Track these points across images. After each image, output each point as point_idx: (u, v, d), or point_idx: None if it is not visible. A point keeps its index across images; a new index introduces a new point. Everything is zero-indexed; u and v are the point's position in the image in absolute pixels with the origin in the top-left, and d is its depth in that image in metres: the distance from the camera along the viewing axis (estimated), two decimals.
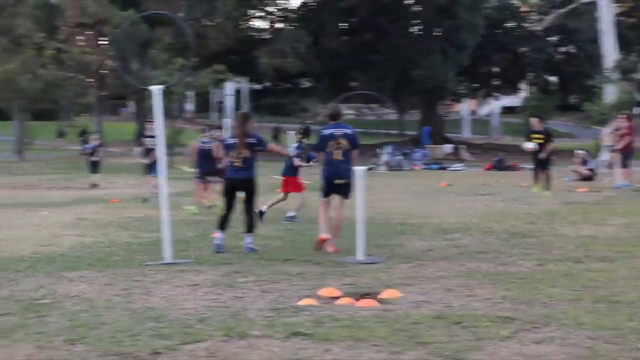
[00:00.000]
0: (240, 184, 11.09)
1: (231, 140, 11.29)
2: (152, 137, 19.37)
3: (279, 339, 6.22)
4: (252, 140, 11.09)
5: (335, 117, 11.34)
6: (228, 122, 23.51)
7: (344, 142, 11.02)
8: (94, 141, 26.28)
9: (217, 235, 11.10)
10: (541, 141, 18.82)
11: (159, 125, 10.96)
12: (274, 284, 8.54)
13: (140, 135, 20.45)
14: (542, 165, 19.54)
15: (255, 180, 11.21)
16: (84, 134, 48.53)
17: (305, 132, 15.24)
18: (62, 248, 11.46)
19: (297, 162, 14.77)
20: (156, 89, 10.68)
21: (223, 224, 11.18)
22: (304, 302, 7.56)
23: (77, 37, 50.33)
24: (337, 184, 11.10)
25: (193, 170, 17.51)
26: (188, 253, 10.85)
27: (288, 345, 6.03)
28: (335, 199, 11.22)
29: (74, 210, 16.97)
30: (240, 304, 7.54)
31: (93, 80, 50.51)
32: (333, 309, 7.29)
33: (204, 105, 76.40)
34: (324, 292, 7.99)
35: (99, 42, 51.43)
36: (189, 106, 74.93)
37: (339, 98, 21.42)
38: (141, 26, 45.68)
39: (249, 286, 8.44)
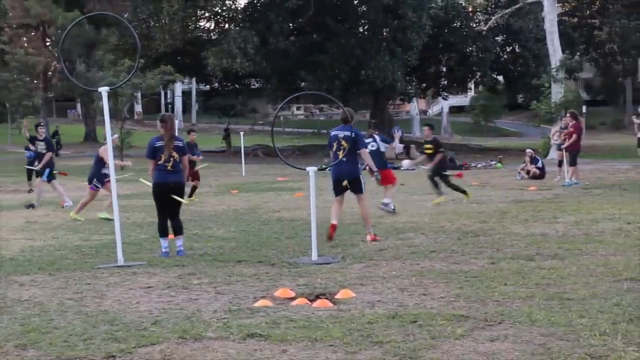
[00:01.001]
0: (171, 188, 10.88)
1: (158, 144, 10.85)
2: (42, 140, 19.39)
3: (235, 340, 6.21)
4: (178, 143, 10.97)
5: (345, 120, 12.09)
6: (178, 123, 23.35)
7: (345, 144, 11.75)
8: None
9: (163, 243, 10.91)
10: (430, 151, 17.93)
11: (107, 127, 10.87)
12: (229, 286, 8.52)
13: (32, 139, 20.17)
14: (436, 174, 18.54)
15: (184, 183, 11.22)
16: (56, 134, 47.61)
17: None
18: (12, 252, 11.30)
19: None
20: (104, 90, 10.59)
21: (164, 231, 10.96)
22: (259, 303, 7.56)
23: (22, 39, 49.65)
24: (344, 184, 11.90)
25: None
26: (140, 255, 10.78)
27: (244, 347, 6.03)
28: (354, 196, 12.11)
29: (23, 214, 16.74)
30: (195, 306, 7.51)
31: (39, 82, 49.85)
32: (288, 309, 7.29)
33: (153, 106, 75.87)
34: (279, 293, 8.00)
35: (44, 43, 50.76)
36: (138, 108, 74.33)
37: (288, 98, 21.44)
38: (86, 27, 45.19)
39: (203, 288, 8.41)
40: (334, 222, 11.71)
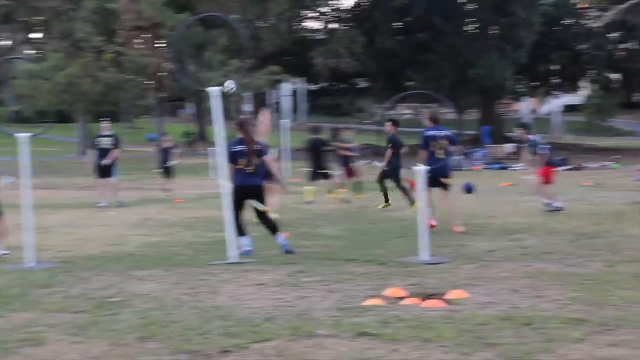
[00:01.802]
0: (250, 191, 10.98)
1: (239, 148, 10.95)
2: (108, 136, 19.23)
3: (346, 338, 6.23)
4: (258, 146, 11.04)
5: (437, 120, 13.12)
6: (286, 122, 23.63)
7: (444, 142, 12.69)
8: (166, 143, 24.94)
9: (243, 241, 10.98)
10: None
11: (219, 127, 11.05)
12: (339, 284, 8.56)
13: (97, 135, 19.77)
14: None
15: (263, 186, 11.21)
16: (188, 135, 48.68)
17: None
18: (130, 247, 11.66)
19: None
20: (214, 91, 10.75)
21: (241, 230, 11.03)
22: (369, 302, 7.56)
23: (135, 40, 51.03)
24: (440, 181, 12.62)
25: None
26: (255, 253, 10.92)
27: (355, 345, 6.04)
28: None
29: (139, 211, 17.22)
30: (306, 304, 7.58)
31: (152, 82, 51.16)
32: (399, 309, 7.27)
33: (261, 106, 76.84)
34: (390, 292, 7.99)
35: (156, 45, 52.07)
36: (247, 107, 75.40)
37: (395, 98, 21.36)
38: (197, 28, 46.13)
39: (314, 286, 8.48)
40: (433, 222, 12.40)
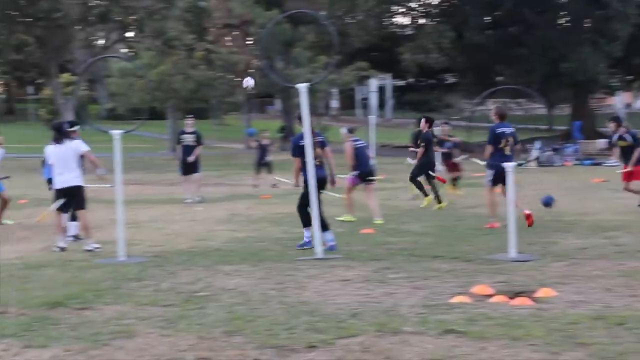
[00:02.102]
0: (320, 183, 10.99)
1: (302, 142, 10.87)
2: (191, 133, 19.32)
3: (432, 336, 6.19)
4: (319, 138, 11.15)
5: (504, 117, 13.27)
6: (373, 119, 23.58)
7: (511, 139, 12.79)
8: (264, 140, 24.62)
9: (329, 236, 11.01)
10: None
11: (306, 123, 11.09)
12: (425, 281, 8.51)
13: (180, 132, 19.86)
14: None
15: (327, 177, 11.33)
16: (283, 130, 49.36)
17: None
18: (217, 242, 11.82)
19: None
20: (303, 87, 10.80)
21: (325, 224, 11.01)
22: (456, 299, 7.50)
23: (225, 38, 51.70)
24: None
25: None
26: (338, 249, 10.94)
27: (441, 343, 6.00)
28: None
29: (227, 206, 17.44)
30: (392, 300, 7.55)
31: (241, 79, 51.71)
32: (487, 307, 7.19)
33: (348, 102, 76.88)
34: (477, 289, 7.90)
35: (246, 42, 52.63)
36: (334, 103, 75.57)
37: (485, 93, 21.09)
38: (285, 25, 46.44)
39: (400, 282, 8.44)
40: (528, 211, 12.56)
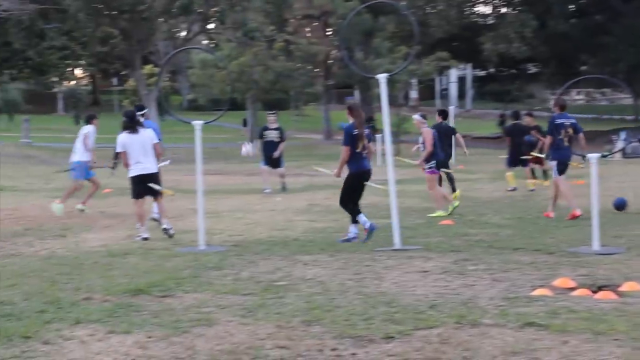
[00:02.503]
0: (368, 175, 11.05)
1: (355, 131, 10.95)
2: (275, 129, 19.42)
3: (513, 328, 6.11)
4: (366, 131, 11.07)
5: (564, 107, 13.28)
6: (452, 109, 23.37)
7: (571, 130, 12.98)
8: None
9: (367, 224, 10.97)
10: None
11: (385, 113, 11.07)
12: (505, 273, 8.40)
13: (264, 128, 19.90)
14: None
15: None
16: (370, 120, 49.35)
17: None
18: (296, 232, 11.89)
19: None
20: (382, 77, 10.76)
21: (356, 216, 11.04)
22: (537, 292, 7.38)
23: (305, 29, 51.90)
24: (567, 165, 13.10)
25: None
26: (417, 240, 10.91)
27: (522, 335, 5.91)
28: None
29: (306, 196, 17.52)
30: (471, 292, 7.48)
31: (320, 70, 51.86)
32: (569, 300, 7.06)
33: (428, 93, 76.36)
34: (559, 282, 7.76)
35: (325, 33, 52.70)
36: (413, 94, 75.16)
37: (568, 83, 20.71)
38: (365, 16, 46.32)
39: (479, 274, 8.36)
40: (578, 211, 12.69)
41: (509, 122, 19.10)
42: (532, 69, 60.41)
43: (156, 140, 11.94)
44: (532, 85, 63.04)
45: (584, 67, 50.70)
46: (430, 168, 14.05)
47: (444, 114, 17.33)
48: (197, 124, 11.03)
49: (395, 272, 8.58)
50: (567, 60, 49.51)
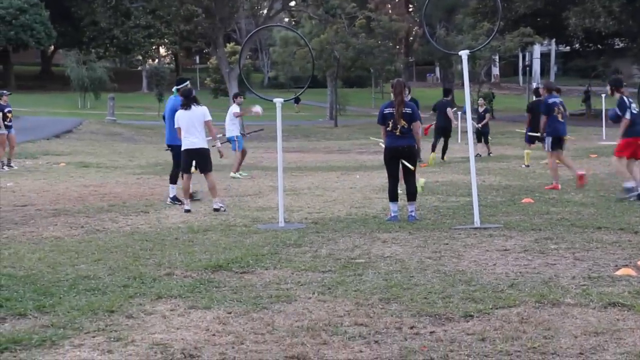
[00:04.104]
0: (400, 152, 10.81)
1: (387, 110, 10.84)
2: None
3: (595, 308, 6.00)
4: (407, 110, 10.78)
5: (551, 90, 14.63)
6: (535, 85, 23.09)
7: (561, 108, 14.30)
8: (481, 107, 23.89)
9: (392, 207, 10.90)
10: None
11: (466, 90, 10.96)
12: (588, 252, 8.25)
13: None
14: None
15: (414, 148, 10.96)
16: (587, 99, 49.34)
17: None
18: (375, 210, 11.88)
19: None
20: (464, 54, 10.65)
21: (393, 195, 10.93)
22: (621, 272, 7.23)
23: (386, 6, 51.61)
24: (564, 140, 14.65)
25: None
26: (496, 218, 10.79)
27: (605, 316, 5.81)
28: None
29: (384, 174, 17.43)
30: (552, 271, 7.37)
31: (401, 47, 51.53)
32: None
33: (510, 69, 75.21)
34: None
35: (407, 10, 52.29)
36: (495, 70, 74.14)
37: None
38: None
39: (560, 253, 8.23)
40: (580, 171, 14.38)
41: (532, 99, 19.18)
42: (619, 44, 58.83)
43: (208, 118, 12.19)
44: (618, 60, 61.44)
45: None
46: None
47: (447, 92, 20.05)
48: (278, 101, 11.10)
49: (475, 250, 8.51)
50: None
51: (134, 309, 6.20)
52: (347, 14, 48.81)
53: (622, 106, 12.91)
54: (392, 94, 10.96)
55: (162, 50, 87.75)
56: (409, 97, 17.12)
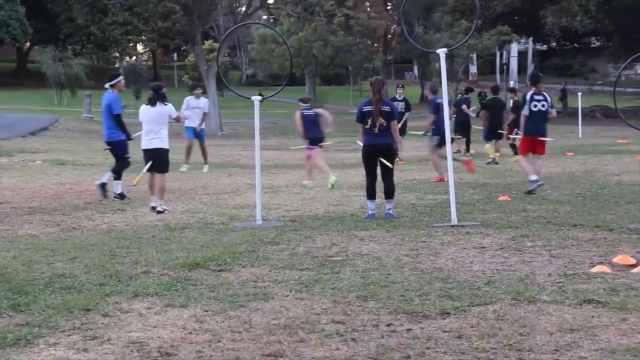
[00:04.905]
0: (379, 150, 10.83)
1: (366, 108, 10.87)
2: (401, 101, 20.01)
3: (570, 305, 6.05)
4: (386, 108, 10.81)
5: (436, 92, 15.37)
6: (513, 84, 23.39)
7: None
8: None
9: (370, 205, 10.92)
10: None
11: (444, 88, 11.00)
12: (564, 249, 8.31)
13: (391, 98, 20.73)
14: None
15: (393, 146, 10.95)
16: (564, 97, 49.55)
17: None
18: (352, 208, 11.89)
19: None
20: (442, 52, 10.69)
21: (371, 193, 10.95)
22: (596, 269, 7.29)
23: (365, 4, 51.66)
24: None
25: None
26: (474, 216, 10.83)
27: (580, 312, 5.85)
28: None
29: (362, 172, 17.42)
30: (529, 268, 7.42)
31: (379, 45, 51.63)
32: (628, 277, 6.96)
33: (488, 67, 75.54)
34: (618, 259, 7.65)
35: (385, 8, 52.37)
36: (473, 68, 74.41)
37: (632, 57, 20.34)
38: None
39: (537, 251, 8.28)
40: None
41: (489, 97, 19.95)
42: (595, 42, 59.27)
43: (174, 115, 12.10)
44: (594, 59, 61.89)
45: None
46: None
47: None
48: (256, 99, 11.08)
49: (452, 248, 8.55)
50: (632, 34, 48.38)
51: (110, 307, 6.17)
52: (326, 12, 48.80)
53: (524, 101, 13.80)
54: (370, 92, 10.97)
55: (139, 48, 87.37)
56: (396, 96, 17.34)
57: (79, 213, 11.72)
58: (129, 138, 13.45)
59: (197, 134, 18.71)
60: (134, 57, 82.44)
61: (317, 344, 5.24)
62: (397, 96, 20.76)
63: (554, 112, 14.01)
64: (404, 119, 19.83)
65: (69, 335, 5.46)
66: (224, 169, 18.97)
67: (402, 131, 20.07)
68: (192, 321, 5.79)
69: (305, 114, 15.36)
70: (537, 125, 13.48)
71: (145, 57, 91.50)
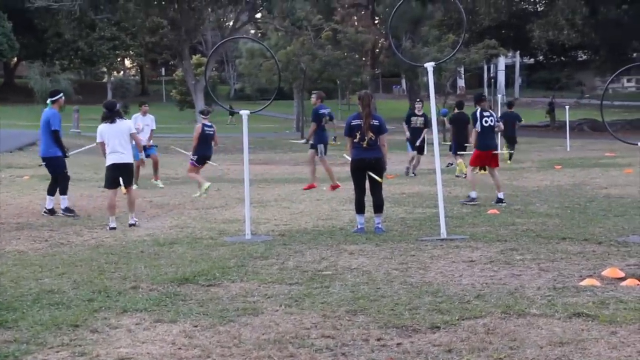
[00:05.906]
0: (367, 164, 10.83)
1: (355, 122, 10.86)
2: (420, 116, 20.09)
3: (560, 318, 6.05)
4: (375, 122, 10.80)
5: (323, 99, 16.55)
6: (501, 97, 23.67)
7: (327, 118, 16.10)
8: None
9: (359, 219, 10.92)
10: None
11: (432, 102, 11.03)
12: (553, 263, 8.32)
13: (410, 114, 20.77)
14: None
15: (381, 160, 10.93)
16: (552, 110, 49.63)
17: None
18: (341, 222, 11.88)
19: None
20: (429, 66, 10.72)
21: (360, 207, 10.94)
22: (585, 282, 7.29)
23: (352, 18, 51.78)
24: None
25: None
26: (463, 229, 10.84)
27: (570, 326, 5.85)
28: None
29: (352, 186, 17.43)
30: (518, 282, 7.42)
31: (367, 59, 51.72)
32: (618, 290, 6.97)
33: (476, 81, 75.82)
34: (607, 272, 7.66)
35: (373, 22, 52.51)
36: (461, 82, 74.66)
37: (619, 70, 20.49)
38: (413, 4, 46.07)
39: (526, 264, 8.29)
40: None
41: (454, 112, 20.06)
42: (582, 56, 59.60)
43: (133, 131, 12.10)
44: (581, 73, 62.25)
45: (635, 54, 49.85)
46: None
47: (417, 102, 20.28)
48: (244, 113, 11.07)
49: (441, 261, 8.55)
50: (618, 47, 48.70)
51: (99, 323, 6.14)
52: (314, 26, 48.88)
53: (474, 118, 14.22)
54: (359, 106, 10.97)
55: (127, 62, 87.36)
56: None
57: (67, 229, 11.67)
58: (65, 155, 13.49)
59: (147, 149, 18.20)
60: (122, 72, 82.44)
61: (307, 358, 5.22)
62: (416, 111, 20.58)
63: (501, 125, 15.08)
64: (422, 135, 20.13)
65: (57, 352, 5.42)
66: (213, 184, 18.91)
67: (421, 148, 20.38)
68: (181, 336, 5.76)
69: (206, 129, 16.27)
70: (489, 140, 14.31)
71: (133, 71, 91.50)
